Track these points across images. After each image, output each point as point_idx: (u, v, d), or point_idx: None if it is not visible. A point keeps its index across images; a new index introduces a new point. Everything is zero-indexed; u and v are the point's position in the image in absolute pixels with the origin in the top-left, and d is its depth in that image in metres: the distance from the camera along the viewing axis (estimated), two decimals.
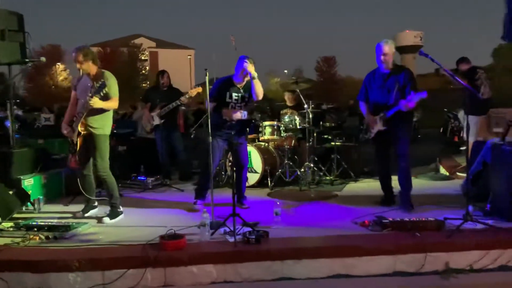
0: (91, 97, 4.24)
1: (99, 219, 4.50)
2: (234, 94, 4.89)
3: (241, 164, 4.98)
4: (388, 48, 4.64)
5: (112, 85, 4.48)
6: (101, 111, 4.46)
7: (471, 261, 3.52)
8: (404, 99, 4.53)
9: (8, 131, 5.88)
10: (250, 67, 4.70)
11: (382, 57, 4.66)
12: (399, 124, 4.66)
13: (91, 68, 4.52)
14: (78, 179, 4.67)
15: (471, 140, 5.77)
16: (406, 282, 3.41)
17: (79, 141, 4.52)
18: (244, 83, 4.90)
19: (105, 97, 4.37)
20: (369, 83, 4.92)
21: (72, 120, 4.54)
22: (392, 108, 4.62)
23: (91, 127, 4.48)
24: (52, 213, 4.86)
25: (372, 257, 3.49)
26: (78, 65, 4.48)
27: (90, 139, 4.52)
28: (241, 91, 4.92)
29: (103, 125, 4.54)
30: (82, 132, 4.51)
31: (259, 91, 4.85)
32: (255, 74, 4.75)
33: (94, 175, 4.72)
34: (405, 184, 4.74)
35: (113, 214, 4.55)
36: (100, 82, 4.28)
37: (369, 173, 6.88)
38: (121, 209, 4.66)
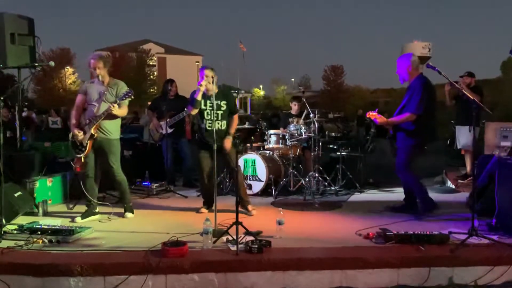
0: (115, 103, 4.57)
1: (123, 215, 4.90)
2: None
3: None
4: (398, 62, 4.85)
5: None
6: (116, 116, 4.72)
7: (476, 276, 3.47)
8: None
9: (16, 133, 5.92)
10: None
11: (397, 71, 4.87)
12: (399, 135, 4.85)
13: (106, 75, 4.76)
14: (80, 182, 4.84)
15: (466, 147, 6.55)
16: None
17: (89, 144, 4.67)
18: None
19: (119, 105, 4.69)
20: None
21: (82, 123, 4.70)
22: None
23: (105, 131, 4.72)
24: (56, 216, 4.88)
25: (375, 270, 3.46)
26: (97, 71, 4.68)
27: (102, 143, 4.73)
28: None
29: (116, 130, 4.82)
30: (96, 135, 4.67)
31: None
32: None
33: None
34: (417, 197, 4.90)
35: (129, 209, 4.95)
36: (126, 90, 4.67)
37: (374, 184, 6.84)
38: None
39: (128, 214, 4.91)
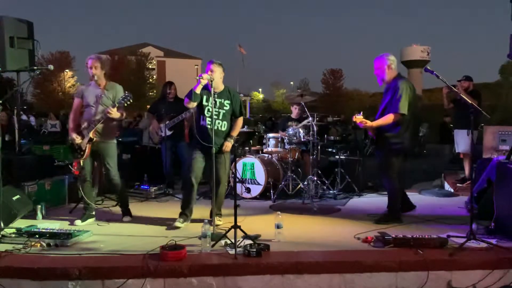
0: (113, 107, 4.54)
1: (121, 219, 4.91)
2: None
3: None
4: (378, 62, 4.70)
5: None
6: (113, 119, 4.70)
7: (474, 280, 3.47)
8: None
9: (15, 137, 5.91)
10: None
11: (375, 72, 4.73)
12: (381, 142, 4.71)
13: (102, 78, 4.74)
14: (79, 186, 4.83)
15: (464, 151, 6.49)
16: None
17: (88, 148, 4.66)
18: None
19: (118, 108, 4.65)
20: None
21: (80, 127, 4.70)
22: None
23: (103, 135, 4.71)
24: (55, 220, 4.88)
25: (373, 274, 3.46)
26: (93, 71, 4.67)
27: (99, 147, 4.73)
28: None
29: (113, 133, 4.82)
30: (94, 139, 4.66)
31: None
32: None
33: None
34: (389, 205, 4.81)
35: (127, 212, 4.97)
36: (125, 94, 4.62)
37: (373, 187, 6.84)
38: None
39: (126, 218, 4.91)
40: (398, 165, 4.70)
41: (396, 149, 4.64)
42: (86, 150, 4.66)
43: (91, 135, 4.63)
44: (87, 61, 4.73)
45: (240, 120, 4.82)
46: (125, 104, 4.65)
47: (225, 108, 4.66)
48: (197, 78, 4.40)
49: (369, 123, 4.64)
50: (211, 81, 4.35)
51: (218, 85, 4.60)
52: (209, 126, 4.53)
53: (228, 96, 4.70)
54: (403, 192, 5.07)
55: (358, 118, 4.62)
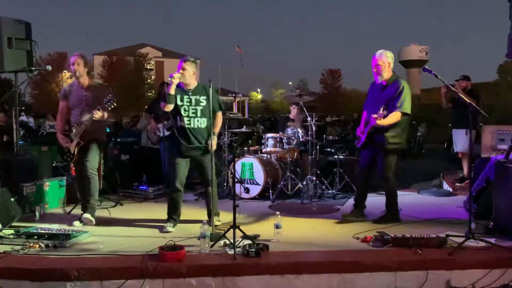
0: (98, 110, 4.47)
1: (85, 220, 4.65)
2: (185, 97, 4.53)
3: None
4: (380, 58, 4.61)
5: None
6: (100, 121, 4.63)
7: (473, 279, 3.48)
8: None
9: (13, 137, 5.90)
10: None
11: (374, 68, 4.66)
12: (379, 142, 4.63)
13: (85, 77, 4.71)
14: (76, 185, 4.84)
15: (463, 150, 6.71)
16: None
17: (76, 150, 4.65)
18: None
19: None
20: (370, 93, 4.90)
21: (67, 129, 4.69)
22: (369, 124, 4.63)
23: (90, 133, 4.65)
24: (53, 221, 4.86)
25: (372, 273, 3.46)
26: (75, 67, 4.62)
27: (86, 145, 4.68)
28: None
29: (100, 130, 4.77)
30: (82, 143, 4.63)
31: None
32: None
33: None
34: (388, 205, 4.78)
35: (91, 212, 4.70)
36: (108, 97, 4.52)
37: (372, 187, 6.83)
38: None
39: (86, 215, 4.64)
40: (395, 164, 4.69)
41: (395, 149, 4.64)
42: (75, 153, 4.65)
43: (79, 138, 4.61)
44: (70, 58, 4.71)
45: (219, 115, 4.70)
46: (109, 108, 4.55)
47: (201, 104, 4.50)
48: (169, 79, 4.32)
49: (382, 121, 4.51)
50: (210, 81, 4.41)
51: (190, 82, 4.47)
52: (187, 126, 4.47)
53: (203, 92, 4.53)
54: (365, 192, 5.05)
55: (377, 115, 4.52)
